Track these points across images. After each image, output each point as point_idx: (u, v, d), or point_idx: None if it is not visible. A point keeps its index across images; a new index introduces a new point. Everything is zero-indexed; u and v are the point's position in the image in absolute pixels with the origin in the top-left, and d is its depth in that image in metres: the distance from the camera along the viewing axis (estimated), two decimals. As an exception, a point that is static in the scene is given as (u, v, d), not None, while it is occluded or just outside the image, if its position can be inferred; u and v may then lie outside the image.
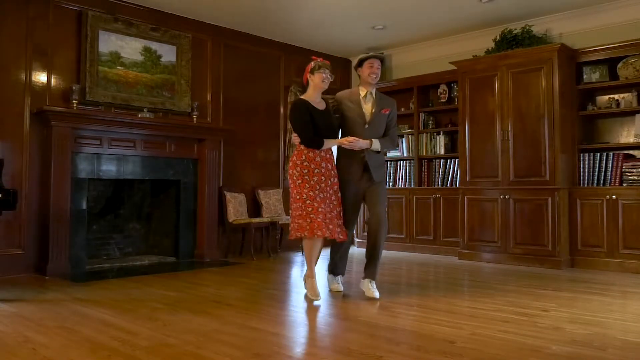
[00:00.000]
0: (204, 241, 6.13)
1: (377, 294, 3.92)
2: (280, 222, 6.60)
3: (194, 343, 2.79)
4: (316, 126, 3.87)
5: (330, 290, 4.20)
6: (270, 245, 6.62)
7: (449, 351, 2.67)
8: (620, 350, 2.71)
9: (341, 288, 4.21)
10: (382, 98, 4.15)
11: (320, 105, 3.99)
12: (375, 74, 4.02)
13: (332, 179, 3.94)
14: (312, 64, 3.98)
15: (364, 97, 4.05)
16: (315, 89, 3.96)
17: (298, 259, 6.39)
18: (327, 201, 3.86)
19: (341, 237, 3.90)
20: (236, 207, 6.44)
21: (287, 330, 3.24)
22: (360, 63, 4.06)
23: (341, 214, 3.98)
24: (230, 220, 6.33)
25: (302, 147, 3.89)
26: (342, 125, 4.12)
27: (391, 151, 6.31)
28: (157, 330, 3.06)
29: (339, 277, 4.27)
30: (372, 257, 4.04)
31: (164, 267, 5.58)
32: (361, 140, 3.93)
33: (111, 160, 5.55)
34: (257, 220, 6.38)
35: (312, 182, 3.81)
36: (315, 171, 3.84)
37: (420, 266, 5.82)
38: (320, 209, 3.76)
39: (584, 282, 4.73)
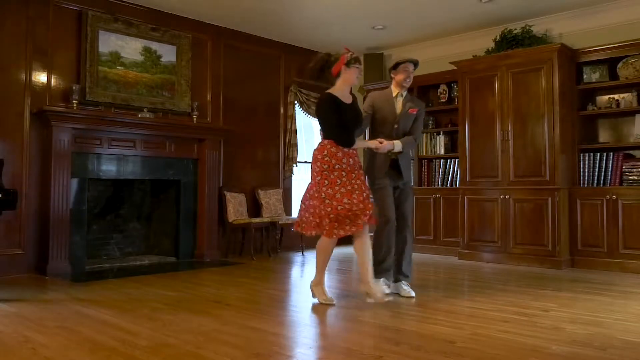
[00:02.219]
0: (204, 241, 6.13)
1: (412, 294, 4.02)
2: (280, 222, 6.59)
3: (194, 343, 2.79)
4: (342, 121, 3.76)
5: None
6: (270, 245, 6.62)
7: (449, 351, 2.67)
8: (620, 350, 2.71)
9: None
10: (412, 99, 4.24)
11: (348, 98, 3.87)
12: (409, 79, 4.16)
13: (355, 172, 3.80)
14: (348, 56, 3.78)
15: (395, 97, 4.17)
16: (345, 82, 3.83)
17: (298, 259, 6.39)
18: (357, 192, 3.71)
19: (366, 223, 3.73)
20: (236, 207, 6.44)
21: (287, 330, 3.24)
22: (396, 66, 4.18)
23: (369, 202, 3.80)
24: (230, 220, 6.33)
25: (326, 142, 3.77)
26: (371, 124, 4.20)
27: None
28: (157, 330, 3.06)
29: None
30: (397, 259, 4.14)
31: (164, 267, 5.58)
32: (387, 143, 3.99)
33: (111, 160, 5.55)
34: (257, 220, 6.39)
35: (331, 177, 3.71)
36: (336, 167, 3.73)
37: (420, 266, 5.80)
38: (339, 207, 3.64)
39: (584, 282, 4.73)
